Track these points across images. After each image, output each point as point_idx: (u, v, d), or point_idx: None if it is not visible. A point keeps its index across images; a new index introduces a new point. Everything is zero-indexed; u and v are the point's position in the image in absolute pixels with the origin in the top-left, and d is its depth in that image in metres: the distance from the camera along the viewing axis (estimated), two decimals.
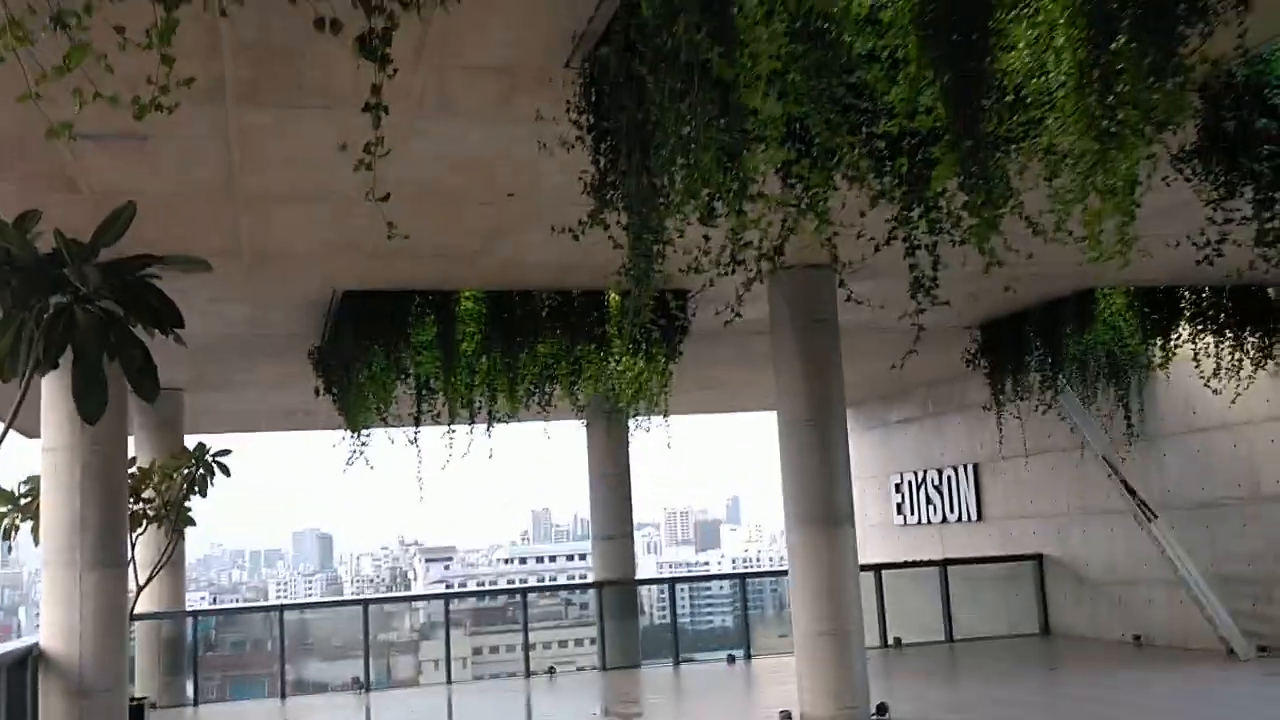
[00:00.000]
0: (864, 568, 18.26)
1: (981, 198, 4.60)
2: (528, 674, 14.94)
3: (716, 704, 12.30)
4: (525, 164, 7.14)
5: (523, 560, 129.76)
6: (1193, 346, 12.53)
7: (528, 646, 15.11)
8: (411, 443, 12.84)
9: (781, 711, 10.01)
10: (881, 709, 10.05)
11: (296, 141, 6.57)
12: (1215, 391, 12.55)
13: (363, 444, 12.15)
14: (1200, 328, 12.45)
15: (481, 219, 8.39)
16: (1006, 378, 13.80)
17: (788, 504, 10.35)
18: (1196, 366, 12.53)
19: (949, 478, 18.71)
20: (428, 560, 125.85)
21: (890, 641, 15.79)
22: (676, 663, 15.28)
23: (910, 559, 18.23)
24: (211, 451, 11.07)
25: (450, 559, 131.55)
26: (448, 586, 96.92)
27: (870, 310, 12.16)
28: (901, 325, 13.80)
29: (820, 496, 10.15)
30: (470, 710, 13.10)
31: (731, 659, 15.26)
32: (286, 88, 5.90)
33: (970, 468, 18.13)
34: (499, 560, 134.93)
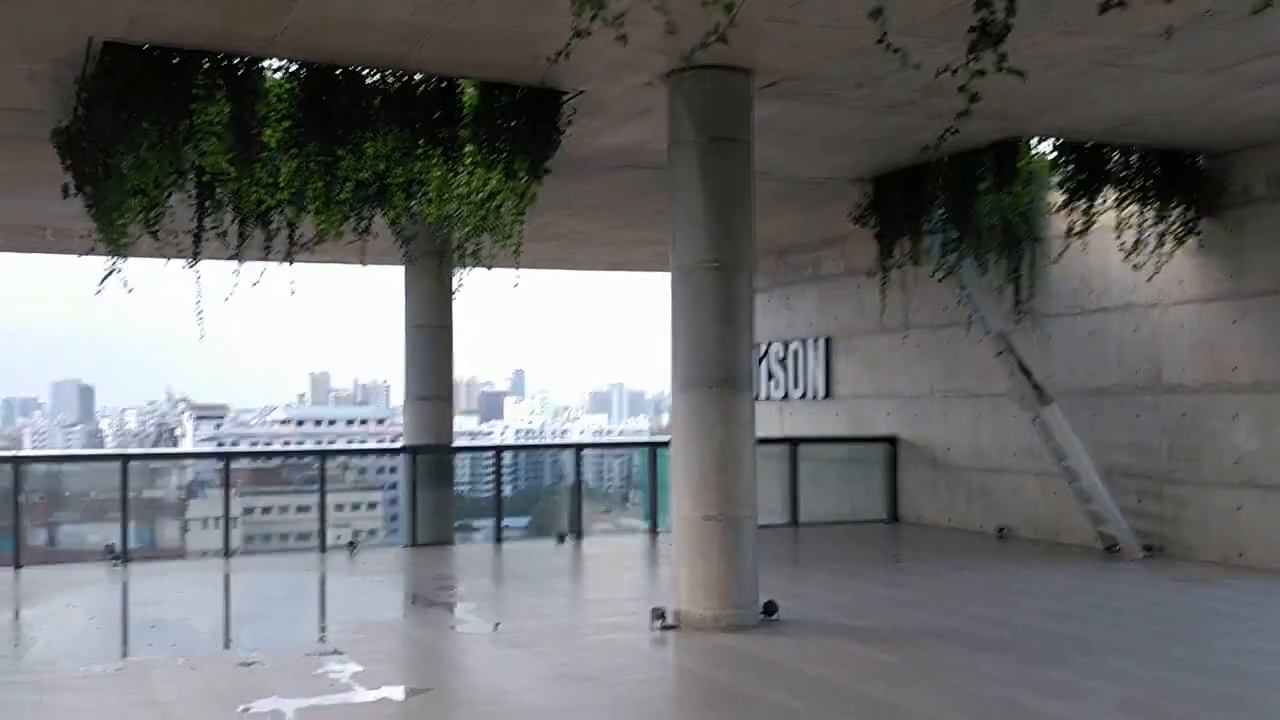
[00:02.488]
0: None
1: None
2: (323, 549, 12.71)
3: (562, 597, 10.41)
4: None
5: (300, 423, 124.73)
6: (1116, 214, 11.17)
7: (324, 518, 12.83)
8: (189, 266, 10.23)
9: (654, 609, 8.21)
10: (769, 608, 8.39)
11: None
12: (1136, 267, 11.27)
13: (120, 261, 9.41)
14: (1125, 193, 11.09)
15: None
16: (899, 239, 12.17)
17: (676, 364, 8.41)
18: (1117, 237, 11.19)
19: (795, 351, 17.24)
20: (198, 418, 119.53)
21: None
22: (498, 540, 13.36)
23: None
24: None
25: (222, 418, 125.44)
26: (219, 445, 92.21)
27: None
28: (790, 174, 12.04)
29: (717, 357, 8.23)
30: (257, 596, 10.78)
31: (561, 538, 13.44)
32: None
33: (821, 342, 16.68)
34: (274, 421, 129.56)
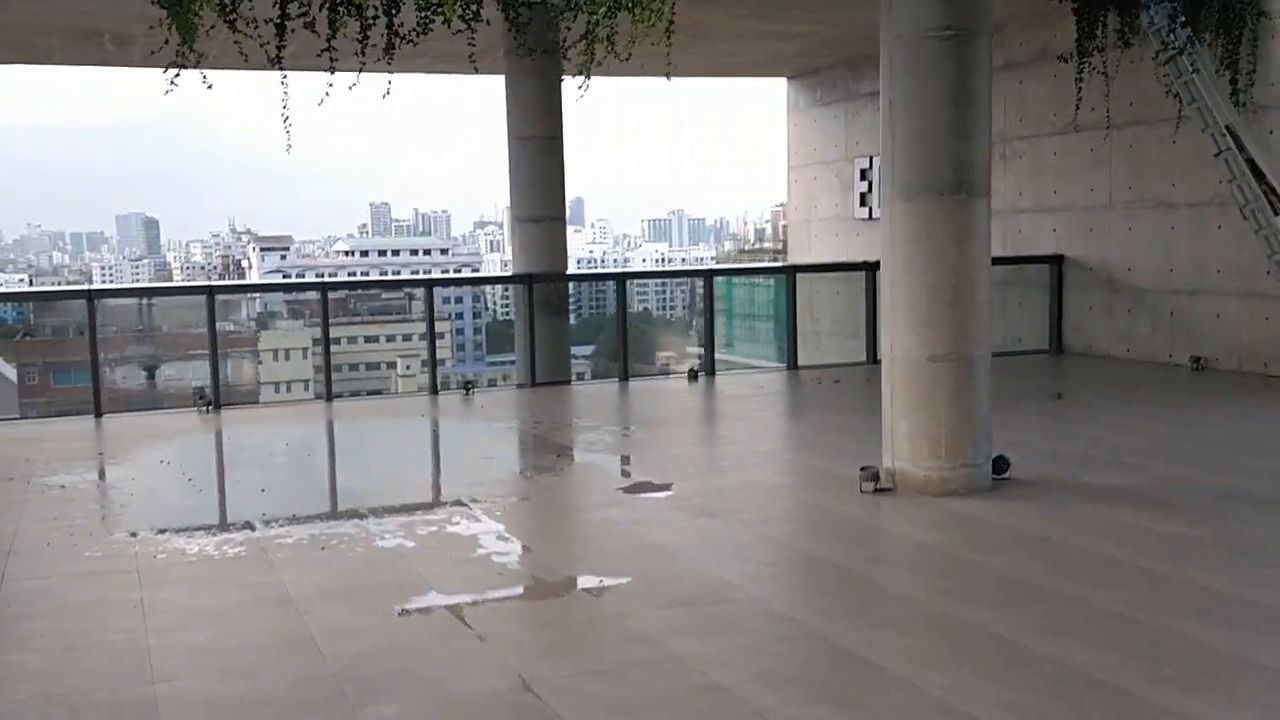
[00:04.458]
0: (847, 266, 14.96)
1: None
2: (435, 389, 11.35)
3: (730, 448, 8.95)
4: None
5: (363, 253, 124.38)
6: None
7: (435, 358, 11.44)
8: (274, 62, 8.59)
9: (864, 468, 6.73)
10: (999, 465, 6.88)
11: None
12: None
13: (194, 54, 7.84)
14: None
15: None
16: (1104, 14, 10.15)
17: (893, 166, 6.69)
18: None
19: None
20: (263, 249, 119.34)
21: None
22: (624, 378, 11.91)
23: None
24: None
25: (287, 249, 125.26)
26: (285, 277, 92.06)
27: None
28: None
29: (950, 153, 6.50)
30: (377, 451, 9.45)
31: (693, 375, 11.99)
32: None
33: None
34: (338, 252, 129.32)
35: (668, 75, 8.78)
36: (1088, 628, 4.39)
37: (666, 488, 7.02)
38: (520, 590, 5.08)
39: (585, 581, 5.21)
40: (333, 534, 6.07)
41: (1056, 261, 13.48)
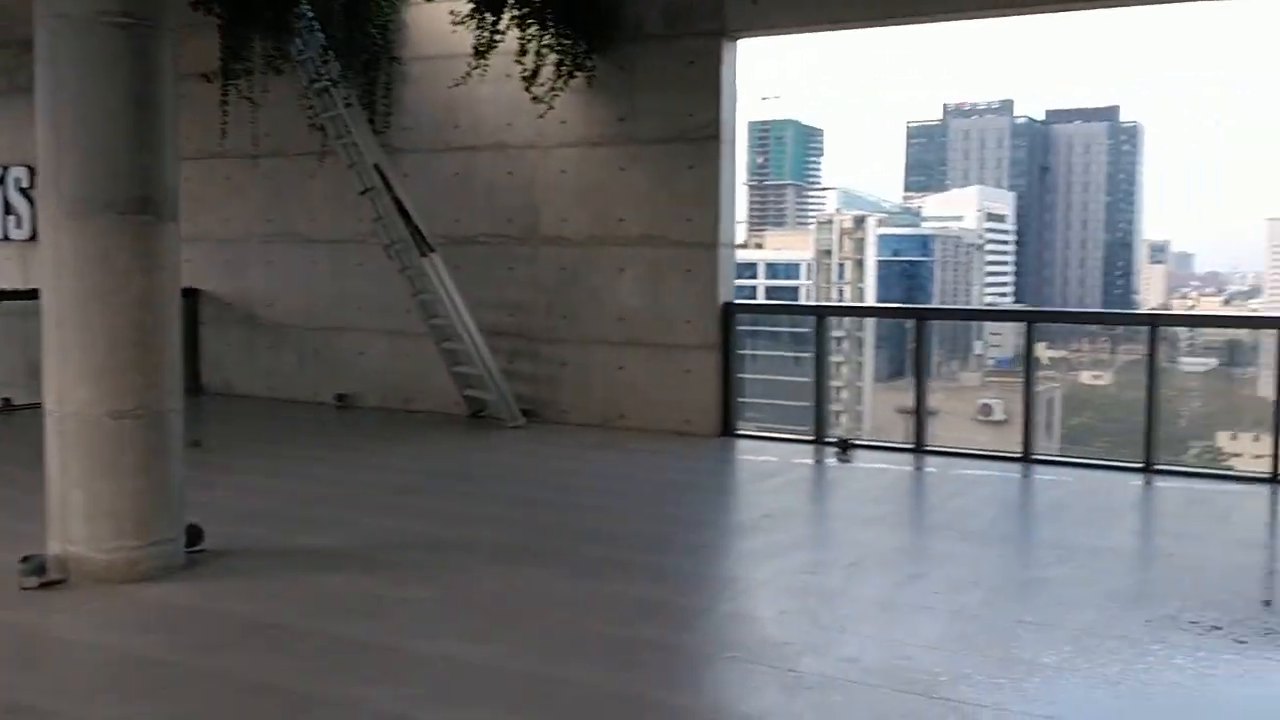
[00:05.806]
0: None
1: None
2: None
3: None
4: None
5: None
6: (520, 37, 9.77)
7: None
8: None
9: (26, 559, 5.26)
10: (194, 536, 5.87)
11: None
12: (536, 99, 10.00)
13: None
14: (526, 12, 9.74)
15: None
16: (253, 39, 9.55)
17: (54, 174, 5.34)
18: (519, 64, 9.82)
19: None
20: None
21: None
22: None
23: None
24: None
25: None
26: None
27: None
28: None
29: (129, 165, 5.36)
30: None
31: None
32: None
33: None
34: None
35: None
36: None
37: None
38: None
39: None
40: None
41: (191, 295, 12.52)
